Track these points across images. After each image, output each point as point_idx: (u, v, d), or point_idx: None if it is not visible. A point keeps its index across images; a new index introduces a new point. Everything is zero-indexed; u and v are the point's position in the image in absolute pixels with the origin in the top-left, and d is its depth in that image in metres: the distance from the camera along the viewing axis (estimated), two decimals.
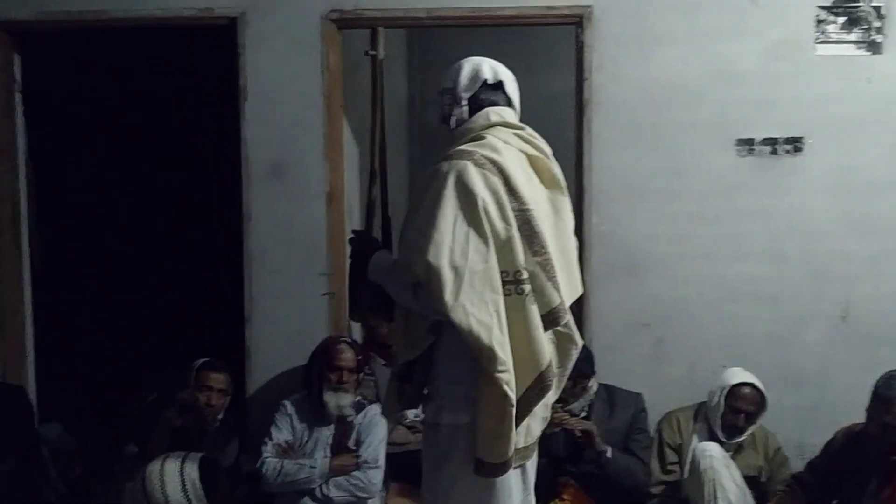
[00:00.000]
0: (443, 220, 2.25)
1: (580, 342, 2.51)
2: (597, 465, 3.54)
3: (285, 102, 3.89)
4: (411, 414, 3.90)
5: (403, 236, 2.41)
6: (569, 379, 3.36)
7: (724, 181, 3.87)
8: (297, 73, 3.88)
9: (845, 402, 3.65)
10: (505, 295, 2.28)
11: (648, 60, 3.85)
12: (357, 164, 4.56)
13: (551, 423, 3.31)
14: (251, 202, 3.93)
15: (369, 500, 3.51)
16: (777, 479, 3.63)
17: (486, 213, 2.27)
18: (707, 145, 3.86)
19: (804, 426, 3.84)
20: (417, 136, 6.14)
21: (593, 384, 3.67)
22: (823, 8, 3.82)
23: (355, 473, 3.46)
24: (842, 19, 3.82)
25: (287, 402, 3.62)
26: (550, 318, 2.36)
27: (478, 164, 2.31)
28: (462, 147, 2.39)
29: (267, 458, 3.46)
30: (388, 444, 3.63)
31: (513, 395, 2.26)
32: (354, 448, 3.53)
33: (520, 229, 2.32)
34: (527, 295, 2.30)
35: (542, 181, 2.47)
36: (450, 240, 2.24)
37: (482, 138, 2.41)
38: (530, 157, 2.46)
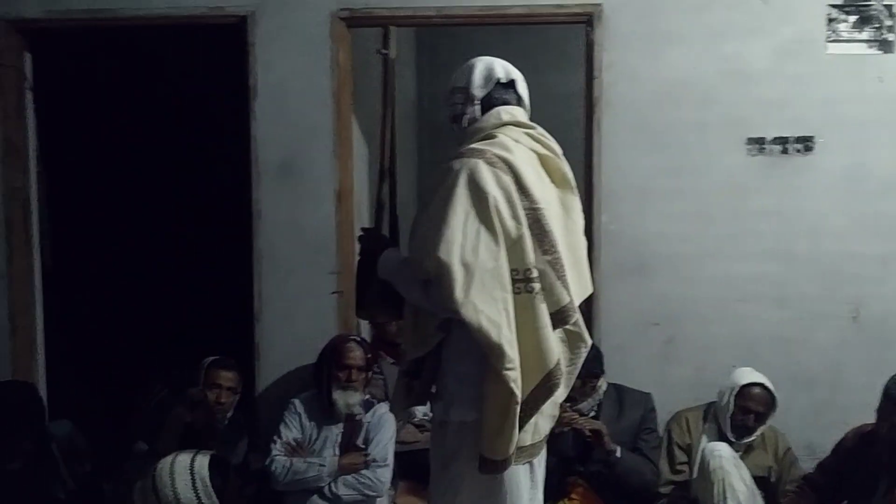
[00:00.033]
0: (454, 218, 2.26)
1: (589, 341, 2.51)
2: (606, 465, 3.53)
3: (295, 101, 3.90)
4: (420, 412, 3.91)
5: (414, 234, 2.41)
6: (578, 378, 3.36)
7: (734, 180, 3.86)
8: (307, 72, 3.89)
9: (855, 402, 3.64)
10: (514, 293, 2.28)
11: (658, 59, 3.84)
12: (366, 162, 4.56)
13: (560, 423, 3.32)
14: (260, 200, 3.93)
15: (378, 499, 3.52)
16: (787, 480, 3.62)
17: (498, 211, 2.28)
18: (717, 144, 3.85)
19: (814, 426, 3.84)
20: (426, 136, 6.14)
21: (602, 383, 3.67)
22: (835, 7, 3.80)
23: (364, 472, 3.47)
24: (853, 18, 3.80)
25: (296, 401, 3.63)
26: (559, 317, 2.37)
27: (489, 163, 2.31)
28: (474, 146, 2.39)
29: (276, 456, 3.47)
30: (397, 442, 3.64)
31: (519, 393, 2.26)
32: (363, 446, 3.53)
33: (530, 228, 2.32)
34: (536, 293, 2.31)
35: (553, 180, 2.48)
36: (461, 237, 2.25)
37: (493, 137, 2.41)
38: (541, 157, 2.46)
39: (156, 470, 2.39)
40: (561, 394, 2.47)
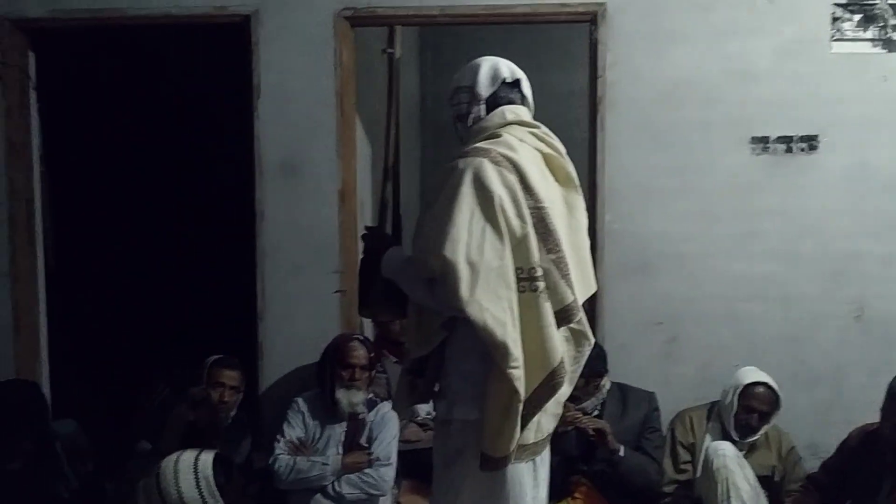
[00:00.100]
0: (459, 216, 2.26)
1: (592, 339, 2.52)
2: (609, 464, 3.53)
3: (298, 100, 3.90)
4: (423, 411, 3.91)
5: (418, 232, 2.41)
6: (581, 377, 3.37)
7: (738, 179, 3.85)
8: (310, 71, 3.88)
9: (859, 401, 3.64)
10: (519, 292, 2.29)
11: (662, 58, 3.83)
12: (369, 162, 4.56)
13: (564, 422, 3.32)
14: (264, 200, 3.93)
15: (381, 498, 3.52)
16: (791, 479, 3.62)
17: (503, 210, 2.28)
18: (721, 143, 3.85)
19: (818, 426, 3.83)
20: (429, 135, 6.14)
21: (606, 383, 3.67)
22: (839, 5, 3.80)
23: (367, 471, 3.47)
24: (857, 17, 3.80)
25: (299, 400, 3.63)
26: (564, 315, 2.37)
27: (494, 162, 2.32)
28: (478, 144, 2.40)
29: (279, 454, 3.47)
30: (400, 441, 3.64)
31: (522, 392, 2.27)
32: (366, 445, 3.53)
33: (535, 227, 2.33)
34: (540, 292, 2.31)
35: (557, 179, 2.48)
36: (466, 236, 2.25)
37: (498, 136, 2.42)
38: (545, 156, 2.47)
39: (159, 469, 2.39)
40: (565, 392, 2.47)
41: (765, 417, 3.58)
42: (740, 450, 3.52)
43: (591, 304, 3.68)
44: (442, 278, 2.26)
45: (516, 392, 2.25)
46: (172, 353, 4.22)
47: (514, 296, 2.28)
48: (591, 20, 3.83)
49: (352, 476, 3.45)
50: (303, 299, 3.93)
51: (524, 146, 2.42)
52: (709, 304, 3.89)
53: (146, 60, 5.02)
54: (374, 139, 4.52)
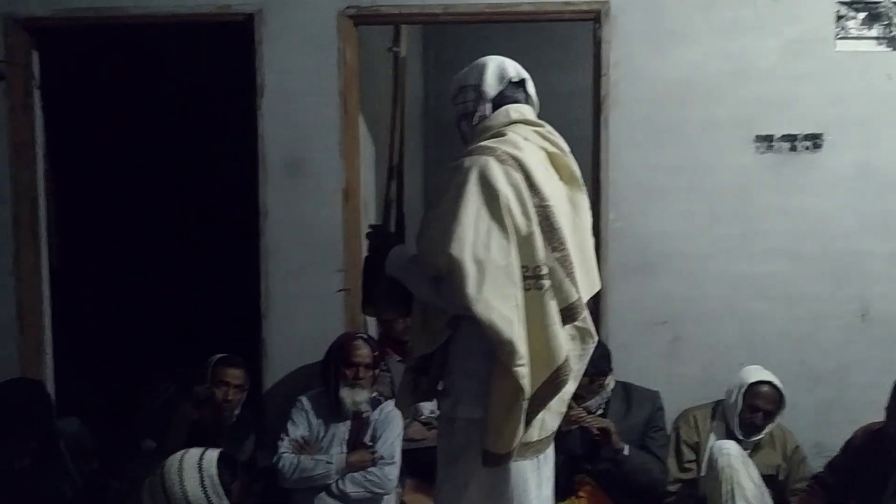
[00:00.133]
0: (465, 215, 2.26)
1: (596, 337, 2.52)
2: (614, 463, 3.52)
3: (302, 99, 3.90)
4: (426, 410, 3.91)
5: (424, 230, 2.42)
6: (586, 376, 3.38)
7: (742, 178, 3.85)
8: (314, 70, 3.88)
9: (864, 400, 3.63)
10: (524, 290, 2.29)
11: (666, 57, 3.83)
12: (373, 160, 4.55)
13: (568, 421, 3.33)
14: (267, 199, 3.93)
15: (385, 496, 3.51)
16: (795, 478, 3.61)
17: (508, 208, 2.29)
18: (725, 142, 3.84)
19: (822, 425, 3.83)
20: (432, 134, 6.14)
21: (610, 381, 3.66)
22: (844, 3, 3.79)
23: (371, 469, 3.47)
24: (862, 15, 3.79)
25: (303, 398, 3.63)
26: (568, 314, 2.38)
27: (500, 160, 2.32)
28: (484, 143, 2.40)
29: (283, 453, 3.47)
30: (404, 440, 3.64)
31: (528, 390, 2.28)
32: (370, 444, 3.53)
33: (540, 225, 2.33)
34: (545, 290, 2.31)
35: (561, 178, 2.49)
36: (472, 234, 2.25)
37: (503, 135, 2.42)
38: (550, 154, 2.47)
39: (164, 467, 2.38)
40: (569, 390, 2.47)
41: (769, 416, 3.57)
42: (745, 449, 3.52)
43: (595, 303, 3.68)
44: (448, 276, 2.27)
45: (522, 390, 2.26)
46: (176, 351, 4.22)
47: (520, 294, 2.28)
48: (595, 19, 3.83)
49: (356, 475, 3.45)
50: (306, 298, 3.93)
51: (529, 145, 2.42)
52: (713, 303, 3.89)
53: (150, 59, 5.02)
54: (377, 138, 4.52)
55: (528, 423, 2.35)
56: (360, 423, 3.56)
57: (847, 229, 3.84)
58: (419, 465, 3.65)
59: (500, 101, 2.49)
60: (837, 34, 3.80)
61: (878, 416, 3.30)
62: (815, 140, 3.83)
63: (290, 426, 3.55)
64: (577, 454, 3.57)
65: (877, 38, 3.80)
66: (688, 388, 3.87)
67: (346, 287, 3.92)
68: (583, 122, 3.98)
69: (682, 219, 3.87)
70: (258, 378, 3.94)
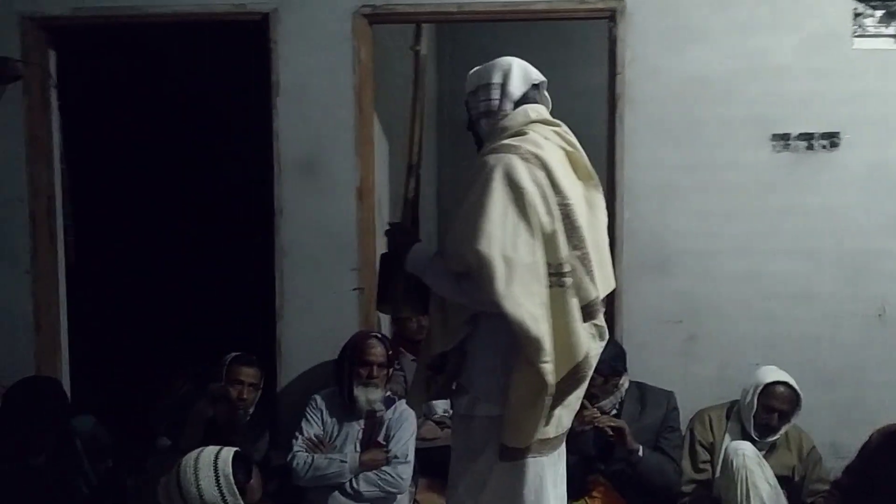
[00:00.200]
0: (493, 212, 2.29)
1: (607, 334, 2.54)
2: (628, 464, 3.51)
3: (317, 98, 3.90)
4: (440, 409, 3.91)
5: (450, 228, 2.44)
6: (601, 376, 3.39)
7: (758, 177, 3.83)
8: (329, 69, 3.89)
9: (881, 400, 3.62)
10: (548, 287, 2.31)
11: (682, 55, 3.81)
12: (387, 159, 4.56)
13: (582, 421, 3.32)
14: (282, 197, 3.94)
15: (398, 496, 3.52)
16: (811, 479, 3.59)
17: (534, 206, 2.32)
18: (741, 140, 3.82)
19: (839, 425, 3.80)
20: (447, 131, 6.13)
21: (624, 382, 3.65)
22: (861, 1, 3.76)
23: (385, 468, 3.47)
24: (880, 13, 3.76)
25: (317, 397, 3.64)
26: (588, 311, 2.41)
27: (524, 159, 2.35)
28: (507, 141, 2.42)
29: (297, 452, 3.48)
30: (417, 439, 3.63)
31: (553, 386, 2.30)
32: (384, 443, 3.53)
33: (562, 223, 2.35)
34: (568, 288, 2.34)
35: (579, 177, 2.51)
36: (500, 231, 2.28)
37: (524, 133, 2.45)
38: (567, 153, 2.50)
39: (180, 466, 2.39)
40: (583, 387, 2.49)
41: (785, 417, 3.55)
42: (760, 450, 3.49)
43: (610, 302, 3.66)
44: (477, 273, 2.29)
45: (546, 386, 2.29)
46: (191, 350, 4.24)
47: (545, 291, 2.31)
48: (610, 17, 3.81)
49: (369, 474, 3.45)
50: (321, 296, 3.93)
51: (549, 144, 2.45)
52: (728, 303, 3.87)
53: (165, 59, 5.04)
54: (391, 136, 4.52)
55: (546, 418, 2.37)
56: (373, 422, 3.56)
57: (864, 228, 3.81)
58: (432, 464, 3.66)
59: (521, 101, 2.51)
60: (854, 32, 3.77)
61: (895, 416, 3.27)
62: (831, 139, 3.80)
63: (304, 425, 3.56)
64: (591, 454, 3.56)
65: (894, 36, 3.76)
66: (703, 387, 3.85)
67: (360, 286, 3.92)
68: (598, 121, 3.97)
69: (698, 217, 3.85)
70: (272, 377, 3.95)
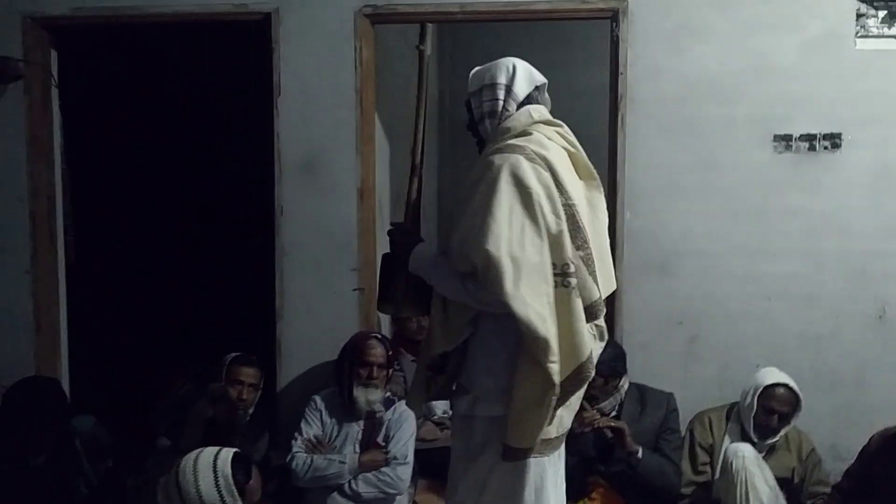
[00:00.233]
0: (499, 211, 2.29)
1: (606, 335, 2.55)
2: (627, 465, 3.50)
3: (318, 98, 3.90)
4: (439, 410, 3.90)
5: (456, 228, 2.43)
6: (601, 377, 3.37)
7: (760, 177, 3.82)
8: (331, 69, 3.88)
9: (881, 402, 3.61)
10: (553, 287, 2.31)
11: (684, 55, 3.80)
12: (388, 159, 4.55)
13: (582, 423, 3.32)
14: (283, 197, 3.94)
15: (398, 497, 3.51)
16: (811, 481, 3.58)
17: (540, 206, 2.32)
18: (743, 141, 3.81)
19: (839, 427, 3.80)
20: (448, 131, 6.13)
21: (624, 383, 3.64)
22: (864, 1, 3.75)
23: (384, 469, 3.46)
24: (882, 13, 3.75)
25: (317, 397, 3.63)
26: (591, 312, 2.41)
27: (529, 159, 2.36)
28: (512, 141, 2.42)
29: (297, 452, 3.47)
30: (417, 440, 3.63)
31: (559, 386, 2.30)
32: (383, 444, 3.53)
33: (567, 223, 2.35)
34: (572, 288, 2.34)
35: (580, 177, 2.52)
36: (507, 231, 2.28)
37: (529, 134, 2.45)
38: (570, 154, 2.51)
39: (179, 466, 2.38)
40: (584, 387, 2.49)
41: (785, 419, 3.54)
42: (760, 451, 3.49)
43: (611, 303, 3.65)
44: (484, 273, 2.29)
45: (553, 385, 2.29)
46: (191, 350, 4.24)
47: (552, 291, 2.31)
48: (613, 17, 3.81)
49: (369, 475, 3.45)
50: (321, 297, 3.93)
51: (553, 144, 2.46)
52: (729, 304, 3.86)
53: (166, 58, 5.04)
54: (393, 137, 4.51)
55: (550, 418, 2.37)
56: (373, 423, 3.56)
57: (866, 229, 3.80)
58: (432, 465, 3.65)
59: (525, 102, 2.52)
60: (857, 32, 3.76)
61: None
62: (834, 139, 3.79)
63: (303, 425, 3.56)
64: (591, 456, 3.56)
65: None
66: (704, 389, 3.84)
67: (360, 286, 3.92)
68: (599, 121, 3.96)
69: (700, 218, 3.84)
70: (272, 377, 3.95)
